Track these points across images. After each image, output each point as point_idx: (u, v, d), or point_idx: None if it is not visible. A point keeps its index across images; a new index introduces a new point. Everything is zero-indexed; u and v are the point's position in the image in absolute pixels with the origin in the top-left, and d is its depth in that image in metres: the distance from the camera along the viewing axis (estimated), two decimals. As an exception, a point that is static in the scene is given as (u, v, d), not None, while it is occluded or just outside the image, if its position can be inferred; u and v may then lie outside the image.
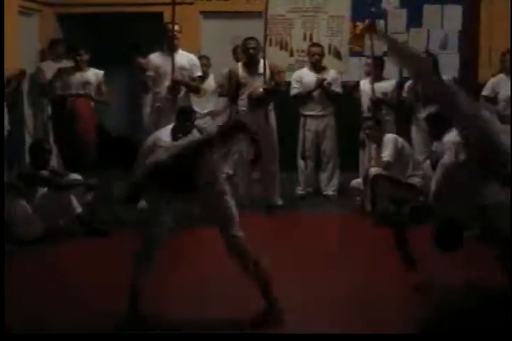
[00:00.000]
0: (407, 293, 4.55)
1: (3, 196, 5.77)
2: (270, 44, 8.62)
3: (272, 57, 7.82)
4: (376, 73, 7.50)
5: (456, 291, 4.47)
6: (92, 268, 5.26)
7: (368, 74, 7.82)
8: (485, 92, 7.40)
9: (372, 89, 7.32)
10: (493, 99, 7.35)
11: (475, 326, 3.54)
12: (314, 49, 7.75)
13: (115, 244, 5.88)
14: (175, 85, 6.88)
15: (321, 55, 7.74)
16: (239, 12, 8.54)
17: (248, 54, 7.11)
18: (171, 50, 6.89)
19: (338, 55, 8.89)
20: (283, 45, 8.82)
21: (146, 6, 8.82)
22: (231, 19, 8.34)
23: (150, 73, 7.02)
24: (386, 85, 7.67)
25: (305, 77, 7.69)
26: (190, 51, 7.59)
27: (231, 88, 7.18)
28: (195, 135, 6.90)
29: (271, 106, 7.19)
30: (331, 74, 7.71)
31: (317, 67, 7.70)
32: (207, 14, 8.94)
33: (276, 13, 8.79)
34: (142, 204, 6.71)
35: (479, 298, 3.82)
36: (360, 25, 8.66)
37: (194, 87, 7.14)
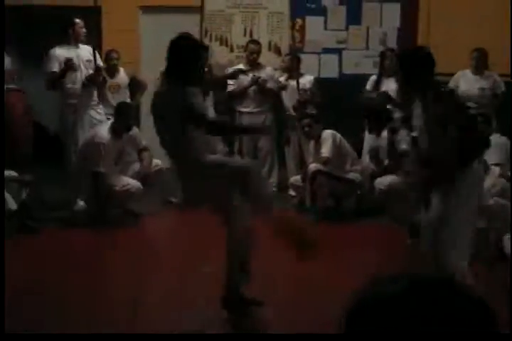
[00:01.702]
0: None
1: (3, 195, 5.62)
2: (210, 39, 8.59)
3: (212, 53, 7.80)
4: (294, 70, 7.60)
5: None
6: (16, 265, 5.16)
7: (284, 71, 7.88)
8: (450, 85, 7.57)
9: (298, 87, 7.40)
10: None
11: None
12: (252, 46, 7.75)
13: (42, 242, 5.78)
14: (98, 74, 6.88)
15: (259, 53, 7.76)
16: (178, 7, 8.44)
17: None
18: (77, 43, 6.99)
19: (278, 51, 8.88)
20: (223, 41, 8.78)
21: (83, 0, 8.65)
22: (170, 14, 8.25)
23: (55, 69, 6.91)
24: (305, 81, 7.72)
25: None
26: (127, 46, 7.56)
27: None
28: (137, 132, 6.89)
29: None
30: (266, 71, 7.72)
31: (253, 64, 7.71)
32: (146, 9, 8.83)
33: (216, 9, 8.74)
34: (79, 204, 6.65)
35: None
36: (299, 21, 8.69)
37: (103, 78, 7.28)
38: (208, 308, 4.21)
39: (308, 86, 7.70)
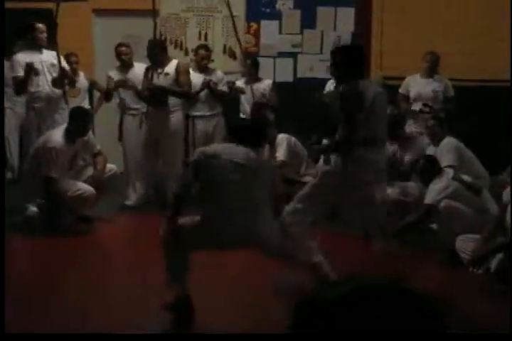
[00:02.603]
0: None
1: (4, 196, 5.48)
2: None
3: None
4: (252, 73, 7.65)
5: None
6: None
7: (243, 74, 7.95)
8: (400, 90, 7.78)
9: (252, 92, 7.42)
10: (407, 97, 7.72)
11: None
12: (203, 52, 7.75)
13: None
14: (63, 77, 6.82)
15: (209, 58, 7.80)
16: (132, 10, 8.38)
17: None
18: (40, 47, 6.96)
19: (233, 55, 8.88)
20: (178, 44, 8.75)
21: (37, 3, 8.54)
22: (124, 17, 8.18)
23: (19, 73, 6.87)
24: (263, 86, 7.77)
25: (191, 78, 7.66)
26: (81, 49, 7.48)
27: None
28: (91, 137, 6.82)
29: (177, 107, 7.17)
30: (217, 75, 7.74)
31: (203, 69, 7.72)
32: (99, 12, 8.75)
33: (171, 12, 8.71)
34: (31, 210, 6.55)
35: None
36: (254, 25, 8.71)
37: (73, 81, 7.31)
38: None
39: (267, 90, 7.73)
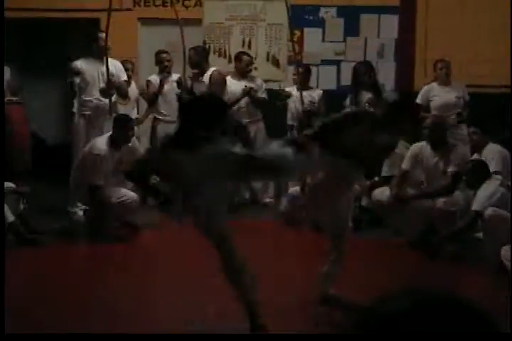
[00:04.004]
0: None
1: (3, 196, 5.60)
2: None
3: (211, 65, 7.83)
4: (304, 81, 7.65)
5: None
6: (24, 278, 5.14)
7: (296, 82, 7.91)
8: (418, 100, 7.60)
9: (301, 99, 7.42)
10: (426, 107, 7.54)
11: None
12: (246, 58, 7.85)
13: (40, 255, 5.75)
14: (110, 88, 6.86)
15: (252, 64, 7.89)
16: (175, 19, 8.46)
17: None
18: (101, 57, 6.90)
19: (276, 63, 8.90)
20: (221, 53, 8.80)
21: (83, 12, 8.69)
22: (169, 26, 8.25)
23: (76, 79, 6.96)
24: (314, 94, 7.78)
25: (231, 85, 7.72)
26: (128, 57, 7.57)
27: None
28: (136, 144, 6.89)
29: None
30: (257, 82, 7.85)
31: (244, 75, 7.77)
32: (145, 21, 8.86)
33: (215, 21, 8.78)
34: (78, 215, 6.64)
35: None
36: (297, 33, 8.72)
37: (125, 91, 7.30)
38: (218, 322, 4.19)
39: (316, 99, 7.78)
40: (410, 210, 6.09)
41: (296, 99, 7.60)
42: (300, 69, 7.76)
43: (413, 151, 6.38)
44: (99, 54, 6.97)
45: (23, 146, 7.27)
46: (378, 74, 7.97)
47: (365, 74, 7.57)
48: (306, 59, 8.73)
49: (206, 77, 7.34)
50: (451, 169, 6.13)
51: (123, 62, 7.53)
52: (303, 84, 7.71)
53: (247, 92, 7.62)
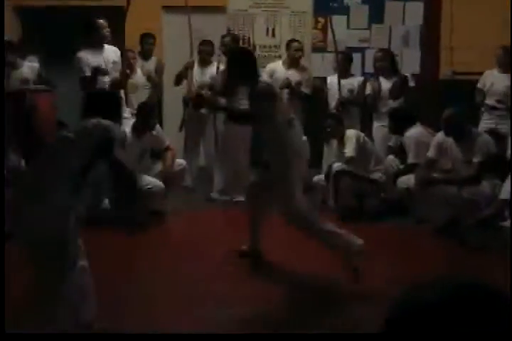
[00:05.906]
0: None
1: (4, 195, 5.65)
2: (233, 39, 8.58)
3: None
4: (344, 69, 7.58)
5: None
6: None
7: (336, 70, 7.78)
8: (479, 85, 7.64)
9: (339, 87, 7.35)
10: (482, 91, 7.60)
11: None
12: (296, 44, 7.69)
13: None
14: (122, 80, 6.91)
15: (302, 50, 7.74)
16: (201, 7, 8.44)
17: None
18: (102, 45, 6.88)
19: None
20: (245, 41, 8.77)
21: (107, 0, 8.69)
22: (193, 14, 8.23)
23: (87, 73, 6.76)
24: (352, 81, 7.70)
25: (278, 72, 7.62)
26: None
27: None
28: (159, 132, 6.89)
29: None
30: (306, 74, 7.68)
31: (296, 63, 7.66)
32: (168, 9, 8.85)
33: (239, 8, 8.75)
34: (105, 203, 6.66)
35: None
36: (322, 20, 8.67)
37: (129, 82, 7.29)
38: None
39: (355, 86, 7.68)
40: (435, 197, 6.06)
41: (336, 87, 7.50)
42: (340, 56, 7.64)
43: (437, 140, 6.33)
44: (101, 43, 6.87)
45: (50, 134, 7.29)
46: (403, 61, 7.92)
47: (383, 60, 7.48)
48: (331, 46, 8.69)
49: None
50: (475, 159, 6.05)
51: (126, 51, 7.33)
52: (343, 73, 7.59)
53: (287, 85, 7.47)
